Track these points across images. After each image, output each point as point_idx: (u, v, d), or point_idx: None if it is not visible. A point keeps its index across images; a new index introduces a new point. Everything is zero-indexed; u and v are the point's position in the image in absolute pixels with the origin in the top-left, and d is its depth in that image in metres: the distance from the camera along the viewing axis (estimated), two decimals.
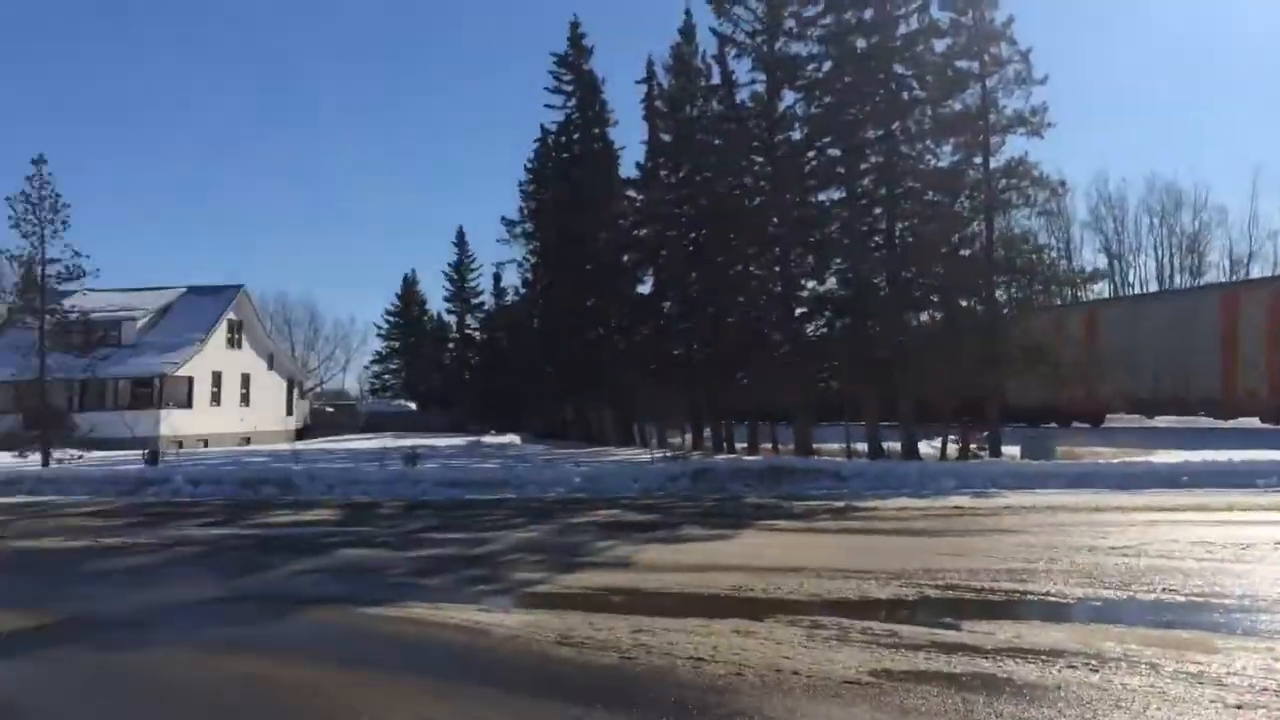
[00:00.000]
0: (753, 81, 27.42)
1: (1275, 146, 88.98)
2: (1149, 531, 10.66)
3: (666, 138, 35.90)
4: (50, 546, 12.34)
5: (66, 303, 28.86)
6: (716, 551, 10.36)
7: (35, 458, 25.89)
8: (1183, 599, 7.17)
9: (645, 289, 38.41)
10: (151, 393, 41.03)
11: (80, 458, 25.88)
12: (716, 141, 30.54)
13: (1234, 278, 55.36)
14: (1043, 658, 5.65)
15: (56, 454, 25.94)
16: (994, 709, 4.78)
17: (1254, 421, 29.19)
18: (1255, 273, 56.78)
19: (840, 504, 14.66)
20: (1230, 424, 29.57)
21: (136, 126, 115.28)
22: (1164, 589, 7.50)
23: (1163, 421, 32.17)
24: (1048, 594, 7.53)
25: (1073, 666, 5.45)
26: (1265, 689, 5.02)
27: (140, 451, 28.58)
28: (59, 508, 17.44)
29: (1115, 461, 18.49)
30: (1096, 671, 5.34)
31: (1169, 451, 21.06)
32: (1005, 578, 8.17)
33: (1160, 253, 61.75)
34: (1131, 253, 62.39)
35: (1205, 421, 30.49)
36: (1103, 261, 59.97)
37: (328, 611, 7.81)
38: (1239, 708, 4.75)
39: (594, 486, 18.05)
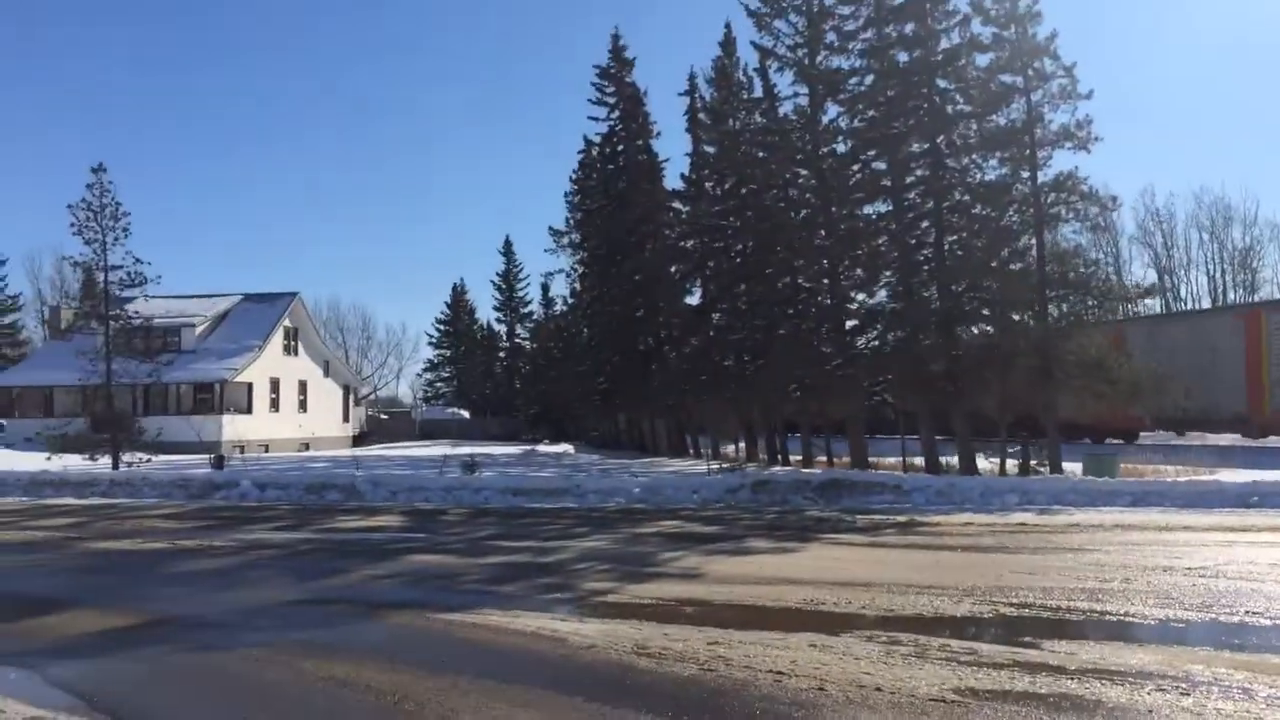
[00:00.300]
0: (795, 94, 27.43)
1: None
2: (1225, 552, 10.50)
3: (710, 150, 36.01)
4: (131, 548, 12.68)
5: (128, 309, 29.46)
6: (784, 565, 10.37)
7: (105, 460, 26.50)
8: (1268, 622, 7.07)
9: (694, 300, 38.53)
10: (212, 398, 41.85)
11: (149, 461, 26.44)
12: (760, 154, 30.60)
13: None
14: (1130, 680, 5.61)
15: (125, 457, 26.55)
16: None
17: None
18: None
19: (903, 518, 14.60)
20: (1260, 442, 29.44)
21: (188, 136, 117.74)
22: (1247, 611, 7.40)
23: (1194, 439, 32.06)
24: (1127, 614, 7.46)
25: (1162, 690, 5.41)
26: None
27: (204, 456, 29.20)
28: (133, 510, 17.92)
29: (1181, 480, 18.15)
30: (1188, 695, 5.30)
31: (1234, 470, 20.67)
32: (1081, 597, 8.10)
33: (1211, 269, 60.53)
34: (1182, 268, 61.22)
35: (1234, 439, 30.45)
36: (1152, 277, 58.96)
37: (406, 616, 7.94)
38: None
39: (654, 497, 18.12)
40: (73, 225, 26.91)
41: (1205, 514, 14.39)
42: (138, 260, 27.63)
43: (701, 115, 36.45)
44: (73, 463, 26.19)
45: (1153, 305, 51.88)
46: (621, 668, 6.13)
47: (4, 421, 43.08)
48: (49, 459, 27.10)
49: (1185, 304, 58.50)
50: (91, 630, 7.64)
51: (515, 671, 6.13)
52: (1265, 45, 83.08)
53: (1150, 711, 5.05)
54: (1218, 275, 60.20)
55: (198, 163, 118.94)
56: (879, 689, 5.53)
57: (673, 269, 38.26)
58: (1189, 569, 9.38)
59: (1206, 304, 57.17)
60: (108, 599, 8.97)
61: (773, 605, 8.14)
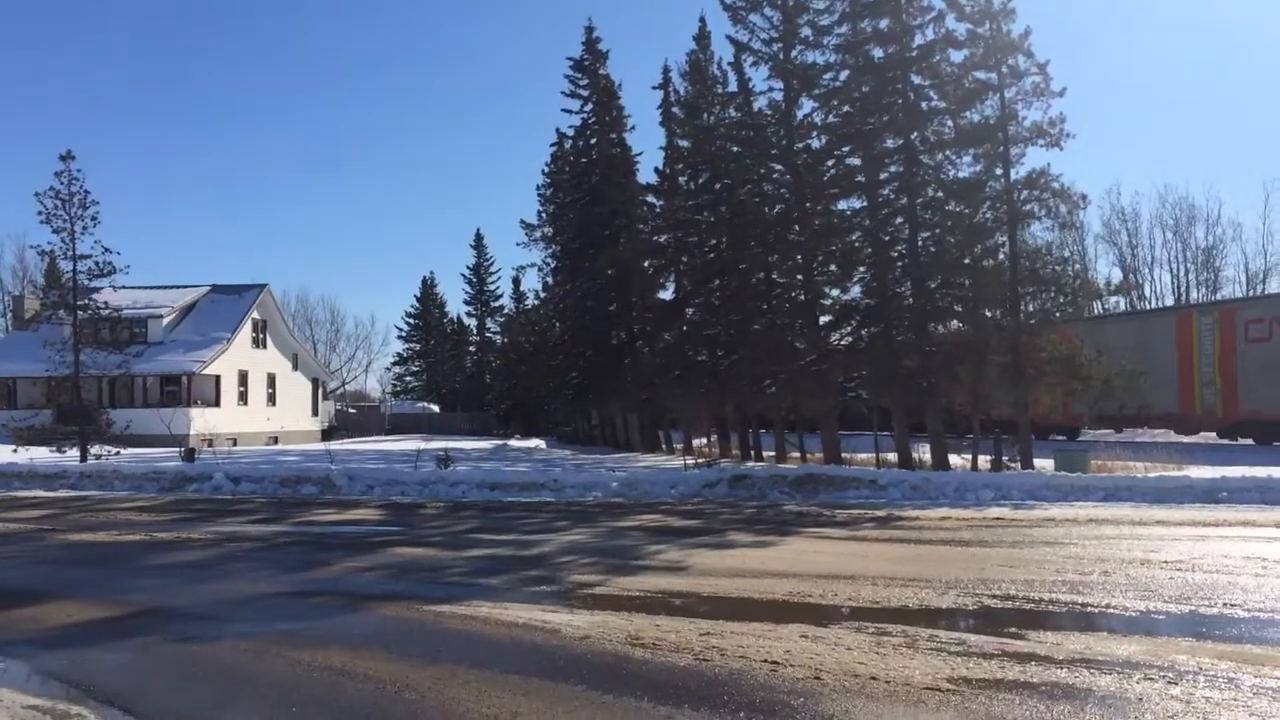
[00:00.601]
0: (770, 89, 27.63)
1: None
2: (1199, 546, 10.68)
3: (684, 144, 36.08)
4: (107, 540, 12.54)
5: (96, 299, 29.02)
6: (767, 558, 10.44)
7: (73, 452, 26.15)
8: (1246, 614, 7.22)
9: (667, 295, 38.61)
10: (179, 390, 41.40)
11: (117, 454, 26.10)
12: (735, 149, 30.72)
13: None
14: (1118, 669, 5.72)
15: (93, 449, 26.21)
16: (1082, 719, 4.86)
17: (1211, 436, 30.93)
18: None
19: (881, 513, 14.73)
20: (1191, 439, 30.68)
21: (154, 125, 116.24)
22: (1225, 604, 7.55)
23: (1130, 436, 32.95)
24: (1109, 606, 7.59)
25: (1150, 679, 5.51)
26: None
27: (173, 449, 28.87)
28: (104, 502, 17.71)
29: (1151, 476, 18.44)
30: (1175, 684, 5.40)
31: (1202, 467, 21.01)
32: (1063, 589, 8.24)
33: (1175, 267, 61.43)
34: (1146, 267, 62.12)
35: (1167, 435, 31.60)
36: (1117, 275, 59.86)
37: (395, 608, 7.92)
38: None
39: (631, 491, 18.14)
40: (40, 213, 26.59)
41: (1176, 509, 14.63)
42: (106, 250, 27.34)
43: (675, 109, 36.51)
44: (39, 455, 25.81)
45: (1119, 303, 52.72)
46: (617, 658, 6.17)
47: None
48: (15, 451, 26.67)
49: (1150, 303, 59.42)
50: (77, 621, 7.58)
51: (512, 661, 6.14)
52: (1231, 46, 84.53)
53: (1141, 699, 5.15)
54: (1181, 274, 61.17)
55: (164, 154, 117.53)
56: (874, 678, 5.60)
57: (646, 263, 38.29)
58: (1165, 562, 9.54)
59: (1170, 302, 58.13)
60: (89, 591, 8.88)
61: (760, 598, 8.20)
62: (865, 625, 6.97)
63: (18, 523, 14.52)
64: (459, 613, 7.62)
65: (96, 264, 27.51)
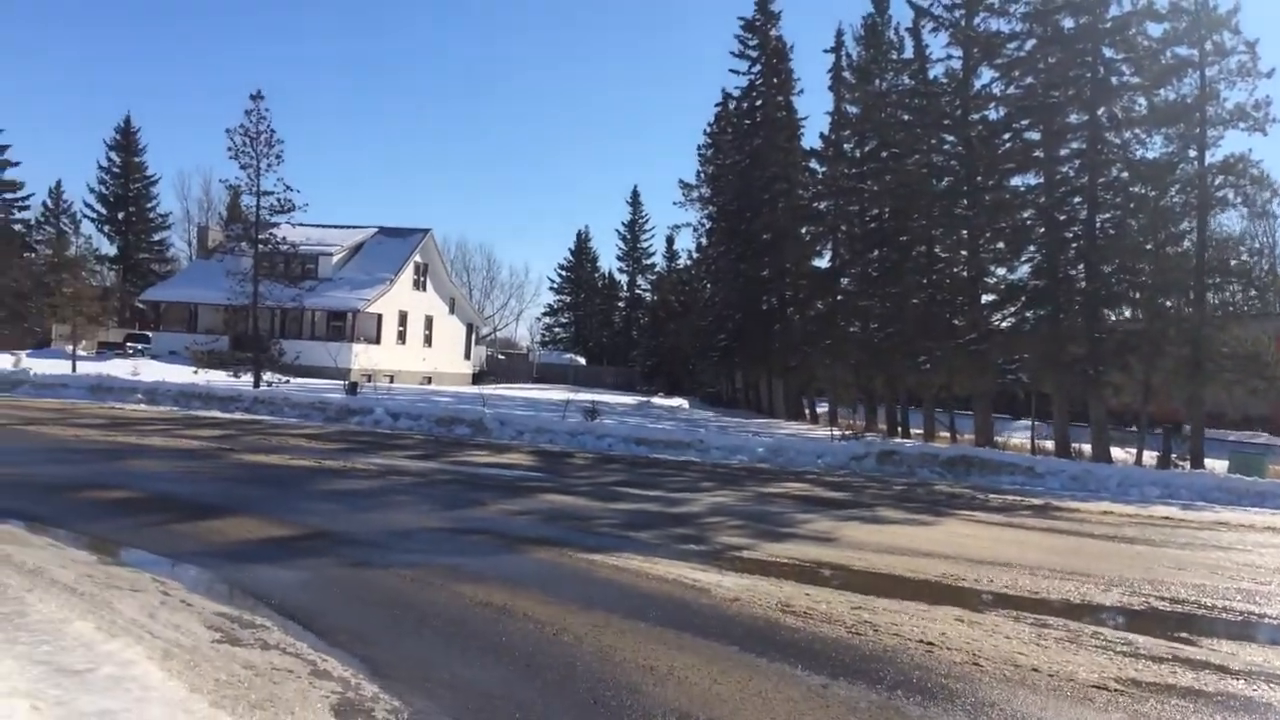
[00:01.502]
0: (948, 57, 26.84)
1: None
2: None
3: (852, 110, 35.35)
4: (279, 463, 13.31)
5: (274, 234, 30.52)
6: (918, 537, 10.25)
7: (247, 378, 27.79)
8: None
9: (822, 263, 38.09)
10: (344, 326, 43.33)
11: (286, 382, 27.61)
12: (905, 117, 29.94)
13: None
14: None
15: (265, 376, 27.78)
16: None
17: None
18: None
19: (1038, 501, 14.24)
20: None
21: (334, 69, 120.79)
22: None
23: (1222, 435, 31.75)
24: None
25: None
26: None
27: (335, 381, 30.28)
28: (275, 427, 18.77)
29: None
30: None
31: None
32: (1237, 597, 7.81)
33: None
34: None
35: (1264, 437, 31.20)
36: None
37: (547, 552, 8.13)
38: None
39: (776, 458, 18.08)
40: (229, 150, 28.15)
41: None
42: (288, 188, 28.81)
43: (846, 74, 35.80)
44: (216, 378, 27.49)
45: None
46: (769, 623, 6.16)
47: (150, 334, 45.53)
48: (195, 373, 28.52)
49: None
50: (256, 538, 8.06)
51: (664, 616, 6.20)
52: None
53: None
54: None
55: (341, 96, 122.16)
56: (1036, 670, 5.44)
57: (803, 230, 37.84)
58: None
59: None
60: (265, 510, 9.43)
61: (911, 576, 8.05)
62: (1023, 615, 6.76)
63: (199, 440, 15.54)
64: (610, 563, 7.75)
65: (278, 200, 29.05)
